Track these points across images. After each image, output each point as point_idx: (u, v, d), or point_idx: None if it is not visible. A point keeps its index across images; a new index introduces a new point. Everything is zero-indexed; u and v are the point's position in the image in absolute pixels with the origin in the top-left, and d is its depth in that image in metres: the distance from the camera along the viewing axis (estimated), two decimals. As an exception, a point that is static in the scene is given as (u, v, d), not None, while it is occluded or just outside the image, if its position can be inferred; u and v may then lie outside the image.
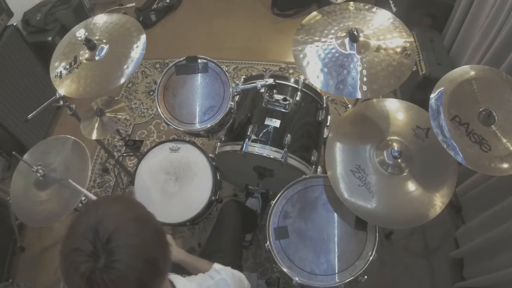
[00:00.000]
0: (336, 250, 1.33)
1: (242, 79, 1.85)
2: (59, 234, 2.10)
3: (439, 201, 1.25)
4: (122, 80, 1.41)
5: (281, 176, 1.65)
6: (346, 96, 1.64)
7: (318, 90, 1.77)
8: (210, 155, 1.61)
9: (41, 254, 2.06)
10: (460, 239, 1.85)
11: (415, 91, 2.13)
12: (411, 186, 1.29)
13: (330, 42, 1.43)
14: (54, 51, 1.54)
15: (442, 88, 1.22)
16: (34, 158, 1.51)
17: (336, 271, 1.29)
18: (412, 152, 1.33)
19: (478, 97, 1.21)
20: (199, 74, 1.57)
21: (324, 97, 1.84)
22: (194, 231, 2.06)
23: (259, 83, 1.54)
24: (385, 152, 1.33)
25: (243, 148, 1.55)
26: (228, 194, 2.13)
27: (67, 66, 1.47)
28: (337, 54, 1.40)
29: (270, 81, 1.57)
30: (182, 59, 1.57)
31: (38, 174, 1.42)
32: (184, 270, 1.13)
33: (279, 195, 1.44)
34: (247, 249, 1.95)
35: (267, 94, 1.66)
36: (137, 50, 1.44)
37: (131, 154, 2.33)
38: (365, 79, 1.34)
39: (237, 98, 1.64)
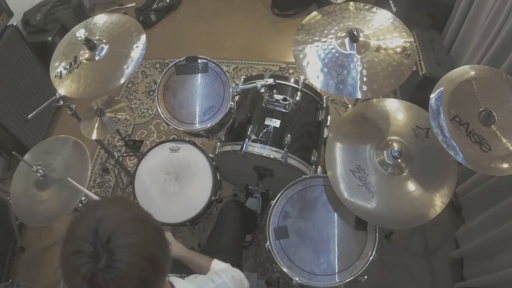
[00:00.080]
0: (336, 250, 1.33)
1: (242, 79, 1.85)
2: (59, 234, 2.10)
3: (439, 201, 1.25)
4: (122, 80, 1.41)
5: (281, 176, 1.65)
6: (346, 96, 1.64)
7: (318, 90, 1.77)
8: (210, 155, 1.61)
9: (41, 254, 2.06)
10: (460, 239, 1.85)
11: (415, 91, 2.13)
12: (411, 186, 1.29)
13: (330, 42, 1.43)
14: (54, 51, 1.54)
15: (442, 88, 1.22)
16: (34, 158, 1.51)
17: (336, 271, 1.29)
18: (412, 152, 1.33)
19: (478, 97, 1.21)
20: (199, 74, 1.57)
21: (324, 97, 1.84)
22: (194, 231, 2.06)
23: (259, 83, 1.54)
24: (385, 152, 1.33)
25: (243, 148, 1.55)
26: (228, 194, 2.13)
27: (67, 66, 1.47)
28: (337, 54, 1.40)
29: (270, 81, 1.57)
30: (182, 59, 1.57)
31: (38, 174, 1.42)
32: (183, 269, 1.13)
33: (279, 195, 1.44)
34: (247, 249, 1.95)
35: (267, 94, 1.66)
36: (137, 50, 1.44)
37: (131, 154, 2.33)
38: (365, 79, 1.34)
39: (237, 98, 1.64)
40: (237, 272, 1.06)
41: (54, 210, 1.41)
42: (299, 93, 1.70)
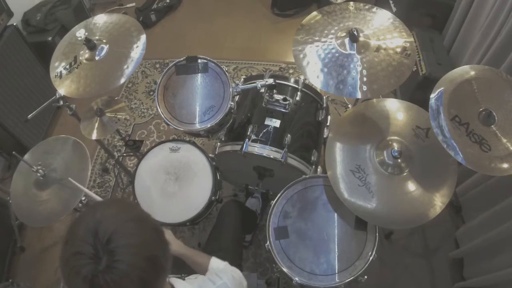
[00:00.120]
0: (336, 250, 1.33)
1: (242, 79, 1.85)
2: (59, 234, 2.10)
3: (439, 201, 1.25)
4: (122, 80, 1.41)
5: (281, 176, 1.65)
6: (346, 96, 1.64)
7: (318, 90, 1.77)
8: (210, 155, 1.61)
9: (41, 254, 2.06)
10: (460, 239, 1.85)
11: (415, 91, 2.13)
12: (411, 186, 1.29)
13: (330, 42, 1.43)
14: (54, 51, 1.54)
15: (442, 88, 1.22)
16: (34, 158, 1.51)
17: (336, 271, 1.29)
18: (412, 152, 1.33)
19: (478, 97, 1.21)
20: (199, 74, 1.57)
21: (324, 97, 1.84)
22: (194, 231, 2.06)
23: (259, 83, 1.54)
24: (385, 152, 1.33)
25: (243, 148, 1.55)
26: (228, 194, 2.13)
27: (67, 66, 1.47)
28: (337, 54, 1.40)
29: (270, 81, 1.57)
30: (182, 59, 1.57)
31: (38, 174, 1.42)
32: (183, 269, 1.13)
33: (279, 195, 1.44)
34: (247, 249, 1.95)
35: (267, 94, 1.66)
36: (137, 50, 1.44)
37: (131, 154, 2.33)
38: (365, 79, 1.34)
39: (237, 98, 1.64)
40: (236, 272, 1.06)
41: (54, 210, 1.41)
42: (299, 93, 1.70)
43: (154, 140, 2.48)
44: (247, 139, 1.57)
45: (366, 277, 1.29)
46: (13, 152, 1.42)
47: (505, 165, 1.12)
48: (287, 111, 1.66)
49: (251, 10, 3.28)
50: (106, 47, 1.47)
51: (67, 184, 1.43)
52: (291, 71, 2.78)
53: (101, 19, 1.57)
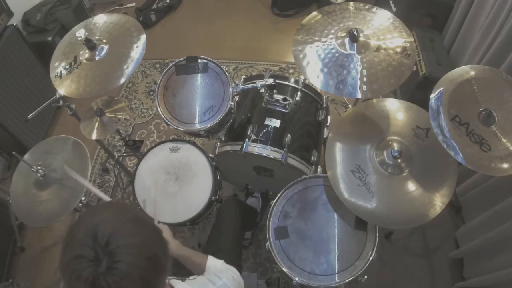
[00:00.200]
0: (336, 250, 1.33)
1: (242, 79, 1.85)
2: (59, 234, 2.10)
3: (439, 201, 1.25)
4: (122, 80, 1.41)
5: (281, 176, 1.65)
6: (346, 96, 1.64)
7: (318, 90, 1.77)
8: (210, 155, 1.61)
9: (41, 254, 2.06)
10: (460, 239, 1.85)
11: (415, 91, 2.13)
12: (411, 186, 1.29)
13: (330, 42, 1.43)
14: (54, 51, 1.54)
15: (442, 88, 1.22)
16: (34, 158, 1.51)
17: (336, 271, 1.29)
18: (412, 152, 1.33)
19: (478, 97, 1.21)
20: (199, 74, 1.57)
21: (324, 97, 1.84)
22: (194, 231, 2.06)
23: (259, 83, 1.54)
24: (385, 152, 1.34)
25: (243, 148, 1.55)
26: (228, 194, 2.13)
27: (67, 66, 1.47)
28: (337, 54, 1.40)
29: (270, 81, 1.57)
30: (182, 59, 1.57)
31: (38, 174, 1.42)
32: (181, 272, 1.13)
33: (279, 195, 1.44)
34: (247, 249, 1.95)
35: (267, 94, 1.66)
36: (137, 50, 1.44)
37: (131, 154, 2.33)
38: (365, 79, 1.34)
39: (237, 98, 1.64)
40: (234, 272, 1.06)
41: (54, 210, 1.41)
42: (299, 93, 1.70)
43: (154, 140, 2.48)
44: (247, 139, 1.57)
45: (366, 277, 1.29)
46: (13, 152, 1.42)
47: (505, 165, 1.12)
48: (287, 111, 1.66)
49: (251, 10, 3.28)
50: (106, 47, 1.47)
51: (67, 184, 1.43)
52: (291, 71, 2.78)
53: (101, 19, 1.57)
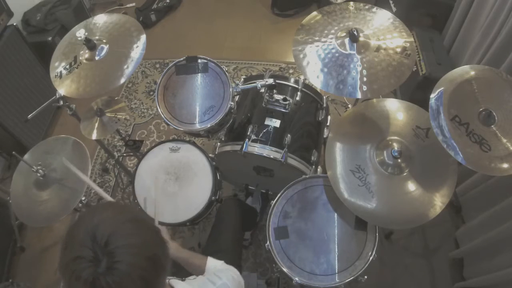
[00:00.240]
0: (336, 250, 1.33)
1: (242, 79, 1.85)
2: (59, 234, 2.10)
3: (439, 201, 1.25)
4: (122, 80, 1.41)
5: (281, 176, 1.65)
6: (346, 96, 1.64)
7: (318, 90, 1.77)
8: (210, 155, 1.61)
9: (41, 254, 2.06)
10: (460, 239, 1.85)
11: (415, 91, 2.13)
12: (411, 186, 1.29)
13: (330, 42, 1.43)
14: (54, 51, 1.54)
15: (442, 88, 1.22)
16: (34, 158, 1.51)
17: (336, 271, 1.29)
18: (412, 152, 1.33)
19: (478, 97, 1.21)
20: (199, 74, 1.57)
21: (324, 97, 1.84)
22: (194, 231, 2.06)
23: (259, 83, 1.55)
24: (385, 152, 1.33)
25: (243, 148, 1.55)
26: (228, 194, 2.13)
27: (67, 66, 1.47)
28: (337, 54, 1.40)
29: (270, 81, 1.57)
30: (182, 59, 1.57)
31: (38, 174, 1.42)
32: (182, 273, 1.13)
33: (279, 195, 1.44)
34: (247, 249, 1.95)
35: (267, 94, 1.66)
36: (137, 50, 1.44)
37: (131, 154, 2.33)
38: (365, 79, 1.34)
39: (237, 98, 1.64)
40: (234, 272, 1.06)
41: (54, 210, 1.41)
42: (299, 93, 1.70)
43: (154, 140, 2.48)
44: (247, 139, 1.57)
45: (366, 277, 1.29)
46: (13, 152, 1.42)
47: (505, 165, 1.12)
48: (287, 111, 1.66)
49: (251, 10, 3.28)
50: (106, 47, 1.47)
51: (67, 184, 1.44)
52: (291, 71, 2.78)
53: (101, 19, 1.57)
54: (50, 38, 2.46)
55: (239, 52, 2.95)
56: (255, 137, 1.59)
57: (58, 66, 1.49)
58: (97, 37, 1.49)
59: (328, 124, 1.81)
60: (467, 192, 1.90)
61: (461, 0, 2.12)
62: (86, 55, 1.47)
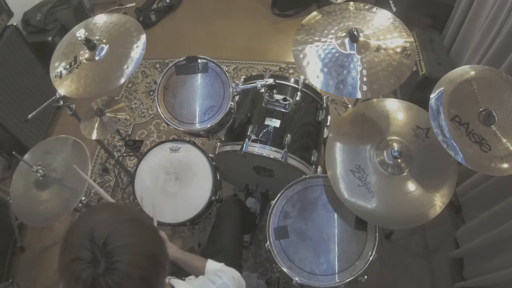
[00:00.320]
0: (336, 250, 1.33)
1: (242, 79, 1.85)
2: (59, 234, 2.10)
3: (439, 201, 1.25)
4: (122, 80, 1.41)
5: (281, 176, 1.65)
6: (346, 96, 1.64)
7: (318, 90, 1.77)
8: (210, 155, 1.61)
9: (41, 254, 2.06)
10: (460, 239, 1.85)
11: (415, 91, 2.13)
12: (411, 186, 1.29)
13: (330, 42, 1.43)
14: (54, 51, 1.54)
15: (442, 88, 1.22)
16: (34, 158, 1.51)
17: (336, 271, 1.29)
18: (412, 152, 1.33)
19: (478, 97, 1.21)
20: (199, 74, 1.57)
21: (324, 97, 1.84)
22: (194, 231, 2.06)
23: (259, 83, 1.55)
24: (385, 152, 1.33)
25: (243, 148, 1.55)
26: (228, 194, 2.13)
27: (67, 66, 1.47)
28: (337, 54, 1.40)
29: (270, 81, 1.57)
30: (182, 59, 1.57)
31: (38, 174, 1.42)
32: (182, 273, 1.13)
33: (279, 195, 1.44)
34: (247, 249, 1.95)
35: (267, 94, 1.66)
36: (137, 50, 1.44)
37: (131, 154, 2.33)
38: (365, 79, 1.34)
39: (237, 98, 1.64)
40: (234, 272, 1.06)
41: (54, 210, 1.41)
42: (299, 93, 1.70)
43: (154, 140, 2.48)
44: (247, 139, 1.57)
45: (366, 277, 1.29)
46: (13, 152, 1.42)
47: (505, 165, 1.12)
48: (287, 111, 1.66)
49: (251, 10, 3.28)
50: (106, 47, 1.47)
51: (67, 184, 1.44)
52: (291, 71, 2.78)
53: (101, 19, 1.57)
54: (50, 38, 2.46)
55: (239, 52, 2.95)
56: (255, 137, 1.59)
57: (58, 66, 1.49)
58: (97, 37, 1.49)
59: (328, 124, 1.81)
60: (467, 192, 1.90)
61: (461, 0, 2.12)
62: (86, 55, 1.47)
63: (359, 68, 1.36)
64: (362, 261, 1.29)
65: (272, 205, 1.42)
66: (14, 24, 2.20)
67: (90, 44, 1.43)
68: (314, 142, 1.73)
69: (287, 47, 2.83)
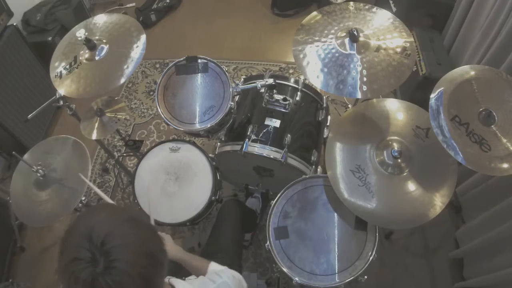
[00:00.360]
0: (336, 250, 1.33)
1: (242, 79, 1.85)
2: (59, 234, 2.10)
3: (439, 201, 1.25)
4: (122, 80, 1.41)
5: (281, 176, 1.65)
6: (346, 96, 1.64)
7: (318, 90, 1.77)
8: (210, 155, 1.61)
9: (41, 254, 2.06)
10: (460, 239, 1.85)
11: (415, 91, 2.13)
12: (411, 186, 1.29)
13: (330, 42, 1.43)
14: (54, 51, 1.54)
15: (442, 88, 1.22)
16: (34, 158, 1.51)
17: (336, 271, 1.29)
18: (412, 152, 1.33)
19: (478, 97, 1.21)
20: (199, 74, 1.57)
21: (324, 97, 1.84)
22: (194, 231, 2.06)
23: (259, 83, 1.54)
24: (385, 152, 1.33)
25: (243, 148, 1.55)
26: (228, 194, 2.13)
27: (67, 66, 1.47)
28: (337, 54, 1.40)
29: (270, 81, 1.57)
30: (182, 59, 1.57)
31: (38, 174, 1.42)
32: (183, 272, 1.13)
33: (279, 195, 1.44)
34: (247, 249, 1.95)
35: (267, 94, 1.66)
36: (137, 50, 1.44)
37: (131, 154, 2.33)
38: (365, 79, 1.34)
39: (237, 98, 1.64)
40: (236, 273, 1.06)
41: (54, 210, 1.41)
42: (299, 93, 1.70)
43: (154, 140, 2.48)
44: (247, 139, 1.57)
45: (366, 277, 1.29)
46: (13, 152, 1.42)
47: (505, 165, 1.12)
48: (287, 111, 1.66)
49: (251, 10, 3.28)
50: (106, 47, 1.47)
51: (67, 184, 1.44)
52: (291, 71, 2.78)
53: (101, 19, 1.57)
54: (50, 38, 2.46)
55: (239, 52, 2.95)
56: (255, 137, 1.59)
57: (58, 66, 1.49)
58: (97, 37, 1.49)
59: (328, 124, 1.81)
60: (467, 192, 1.90)
61: (461, 0, 2.12)
62: (86, 55, 1.47)
63: (359, 68, 1.36)
64: (362, 261, 1.29)
65: (272, 205, 1.42)
66: (14, 24, 2.20)
67: (90, 44, 1.43)
68: (314, 142, 1.73)
69: (287, 47, 2.83)
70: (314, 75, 1.38)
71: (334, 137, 1.42)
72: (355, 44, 1.39)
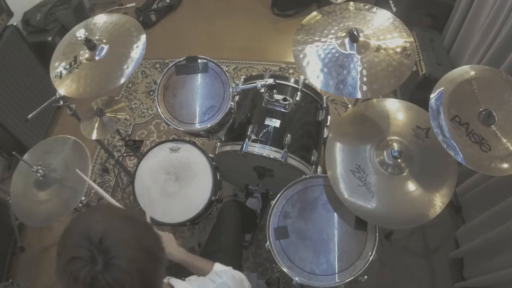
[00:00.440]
0: (336, 250, 1.33)
1: (242, 79, 1.85)
2: (59, 234, 2.05)
3: (439, 201, 1.25)
4: (122, 80, 1.41)
5: (281, 176, 1.65)
6: (346, 96, 1.64)
7: (318, 90, 1.77)
8: (210, 155, 1.61)
9: (41, 254, 2.06)
10: (460, 239, 1.85)
11: (415, 91, 2.13)
12: (411, 186, 1.29)
13: (330, 42, 1.43)
14: (54, 51, 1.54)
15: (442, 88, 1.22)
16: (34, 158, 1.51)
17: (336, 271, 1.29)
18: (412, 152, 1.33)
19: (478, 97, 1.21)
20: (199, 74, 1.57)
21: (324, 97, 1.84)
22: (194, 231, 2.06)
23: (259, 83, 1.55)
24: (385, 152, 1.33)
25: (243, 148, 1.55)
26: (228, 194, 2.13)
27: (67, 66, 1.47)
28: (337, 54, 1.40)
29: (270, 81, 1.57)
30: (182, 59, 1.57)
31: (38, 174, 1.42)
32: (183, 272, 1.13)
33: (279, 195, 1.44)
34: (247, 249, 1.95)
35: (267, 94, 1.66)
36: (137, 50, 1.44)
37: (131, 154, 2.33)
38: (365, 79, 1.34)
39: (237, 98, 1.64)
40: (237, 273, 1.06)
41: (54, 210, 1.41)
42: (299, 93, 1.70)
43: (154, 140, 2.48)
44: (247, 139, 1.57)
45: (366, 277, 1.29)
46: (13, 152, 1.42)
47: (505, 165, 1.12)
48: (287, 111, 1.66)
49: (251, 10, 3.28)
50: (106, 47, 1.47)
51: (67, 184, 1.44)
52: (291, 71, 2.78)
53: (101, 19, 1.57)
54: (50, 38, 2.46)
55: (239, 52, 2.95)
56: (255, 137, 1.59)
57: (58, 66, 1.49)
58: (97, 37, 1.49)
59: (328, 124, 1.81)
60: (467, 192, 1.90)
61: (461, 0, 2.12)
62: (86, 55, 1.47)
63: (359, 68, 1.36)
64: (362, 261, 1.29)
65: (272, 205, 1.42)
66: (14, 24, 2.20)
67: (90, 44, 1.43)
68: (314, 142, 1.73)
69: (287, 47, 2.83)
70: (314, 75, 1.38)
71: (334, 137, 1.42)
72: (355, 44, 1.39)
